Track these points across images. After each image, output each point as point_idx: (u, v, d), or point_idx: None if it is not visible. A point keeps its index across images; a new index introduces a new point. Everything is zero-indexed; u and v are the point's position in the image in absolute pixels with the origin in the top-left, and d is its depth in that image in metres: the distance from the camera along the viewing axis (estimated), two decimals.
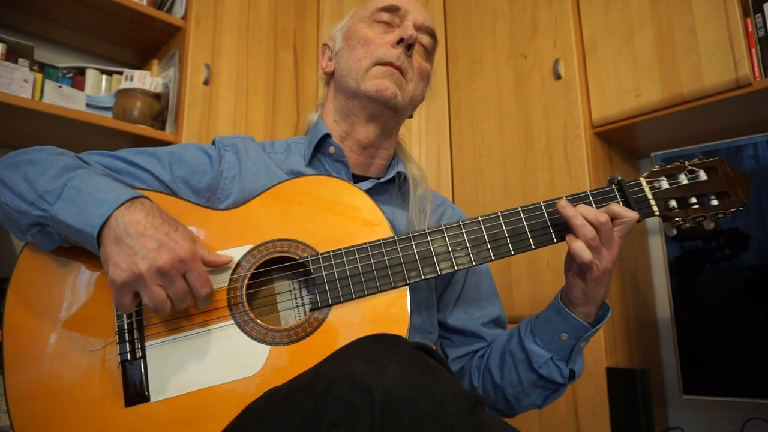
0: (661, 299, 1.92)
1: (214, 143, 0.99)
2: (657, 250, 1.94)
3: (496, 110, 1.97)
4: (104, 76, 1.88)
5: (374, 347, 0.63)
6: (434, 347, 1.02)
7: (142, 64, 2.04)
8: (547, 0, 1.86)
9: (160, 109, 1.80)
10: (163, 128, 1.81)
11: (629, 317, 1.75)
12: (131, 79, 1.79)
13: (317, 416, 0.57)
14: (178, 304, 0.73)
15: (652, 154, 1.64)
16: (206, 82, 1.81)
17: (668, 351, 1.87)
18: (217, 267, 0.79)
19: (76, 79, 1.82)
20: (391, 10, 0.99)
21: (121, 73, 1.83)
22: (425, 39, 1.01)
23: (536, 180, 1.82)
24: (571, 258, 0.86)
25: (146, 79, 1.80)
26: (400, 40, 0.95)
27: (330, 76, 1.06)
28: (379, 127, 0.99)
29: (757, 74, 1.44)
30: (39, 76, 1.66)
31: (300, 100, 2.09)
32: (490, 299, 1.07)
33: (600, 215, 0.81)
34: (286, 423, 0.59)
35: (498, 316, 1.06)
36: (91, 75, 1.84)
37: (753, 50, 1.46)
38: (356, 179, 1.00)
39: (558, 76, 1.80)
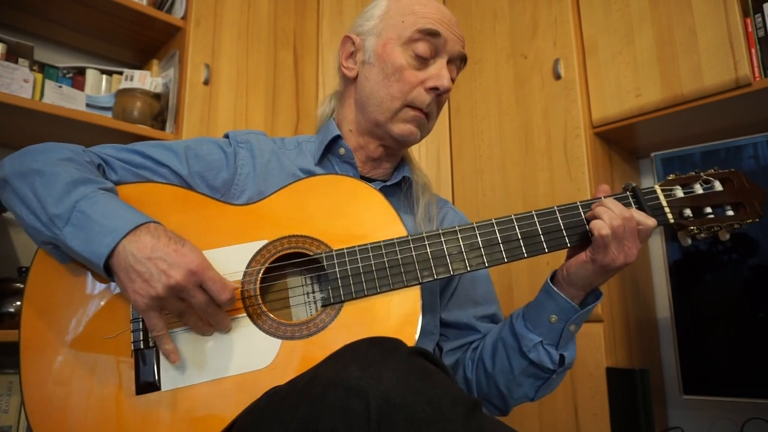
0: (661, 299, 1.92)
1: (226, 137, 0.99)
2: (657, 250, 1.94)
3: (496, 110, 1.97)
4: (104, 76, 1.87)
5: (370, 351, 0.62)
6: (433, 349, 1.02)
7: (142, 64, 2.04)
8: (547, 0, 1.87)
9: (160, 109, 1.80)
10: (163, 128, 1.81)
11: (629, 317, 1.75)
12: (131, 79, 1.79)
13: (313, 421, 0.57)
14: (204, 314, 0.74)
15: (652, 154, 1.64)
16: (206, 82, 1.81)
17: (668, 351, 1.87)
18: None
19: (76, 79, 1.82)
20: (432, 34, 0.94)
21: (121, 73, 1.83)
22: (455, 69, 0.99)
23: (536, 180, 1.82)
24: (586, 239, 0.87)
25: (146, 79, 1.80)
26: (434, 88, 0.94)
27: (351, 79, 1.02)
28: (391, 153, 1.02)
29: (757, 74, 1.45)
30: (39, 76, 1.65)
31: (300, 100, 2.09)
32: (486, 297, 1.07)
33: (624, 211, 0.83)
34: (284, 426, 0.59)
35: (493, 313, 1.06)
36: (91, 75, 1.84)
37: (753, 50, 1.46)
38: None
39: (558, 76, 1.80)
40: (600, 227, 0.82)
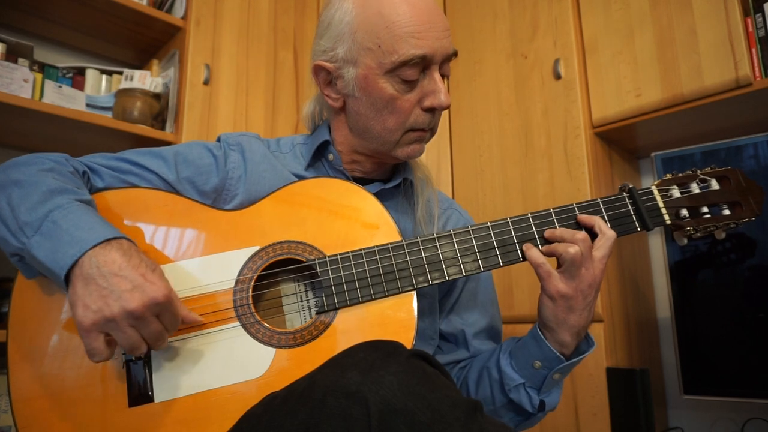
0: (661, 299, 1.92)
1: (218, 140, 0.97)
2: (657, 250, 1.94)
3: (496, 110, 1.97)
4: (104, 76, 1.87)
5: (370, 356, 0.62)
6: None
7: (142, 64, 2.04)
8: (547, 0, 1.86)
9: (160, 109, 1.80)
10: (163, 128, 1.81)
11: (629, 317, 1.75)
12: (131, 79, 1.79)
13: (313, 427, 0.56)
14: (153, 344, 0.70)
15: (652, 154, 1.64)
16: (206, 82, 1.81)
17: (668, 351, 1.87)
18: (187, 323, 0.75)
19: (76, 79, 1.82)
20: (419, 61, 0.84)
21: (121, 73, 1.83)
22: (448, 66, 0.90)
23: (536, 180, 1.82)
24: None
25: (146, 79, 1.80)
26: (432, 109, 0.88)
27: (338, 108, 0.95)
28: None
29: (757, 74, 1.45)
30: (39, 76, 1.66)
31: (300, 100, 2.09)
32: (485, 307, 1.04)
33: (577, 233, 0.81)
34: None
35: (490, 326, 1.03)
36: (91, 75, 1.84)
37: (753, 50, 1.46)
38: (360, 182, 0.99)
39: (558, 76, 1.79)
40: (536, 259, 0.82)
